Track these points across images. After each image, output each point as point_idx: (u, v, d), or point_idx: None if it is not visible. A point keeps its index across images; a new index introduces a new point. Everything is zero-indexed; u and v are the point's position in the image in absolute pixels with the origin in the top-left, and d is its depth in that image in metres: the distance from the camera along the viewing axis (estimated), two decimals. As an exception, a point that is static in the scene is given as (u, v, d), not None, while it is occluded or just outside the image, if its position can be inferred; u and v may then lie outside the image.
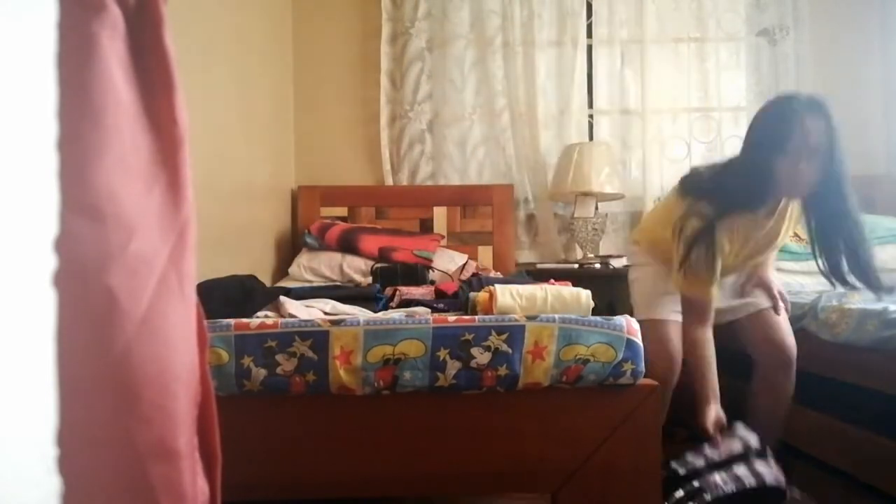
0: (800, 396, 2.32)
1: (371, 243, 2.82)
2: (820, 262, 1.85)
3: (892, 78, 3.29)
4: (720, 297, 1.97)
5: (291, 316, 1.45)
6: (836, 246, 1.81)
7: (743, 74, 3.35)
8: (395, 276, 2.48)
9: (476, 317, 1.31)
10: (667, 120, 3.34)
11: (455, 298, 1.82)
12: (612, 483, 1.28)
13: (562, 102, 3.30)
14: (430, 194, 3.14)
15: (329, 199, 3.26)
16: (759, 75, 3.31)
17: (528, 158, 3.25)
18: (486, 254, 3.09)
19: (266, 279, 2.76)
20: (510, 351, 1.26)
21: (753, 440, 1.74)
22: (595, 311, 1.49)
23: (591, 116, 3.35)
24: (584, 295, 1.49)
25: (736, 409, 2.51)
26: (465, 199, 3.14)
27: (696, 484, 1.56)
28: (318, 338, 1.26)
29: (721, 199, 1.81)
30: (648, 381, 1.33)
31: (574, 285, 1.58)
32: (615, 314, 1.40)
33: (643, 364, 1.30)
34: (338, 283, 2.61)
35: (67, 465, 0.46)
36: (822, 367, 2.12)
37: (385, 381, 1.25)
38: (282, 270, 2.98)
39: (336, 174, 3.33)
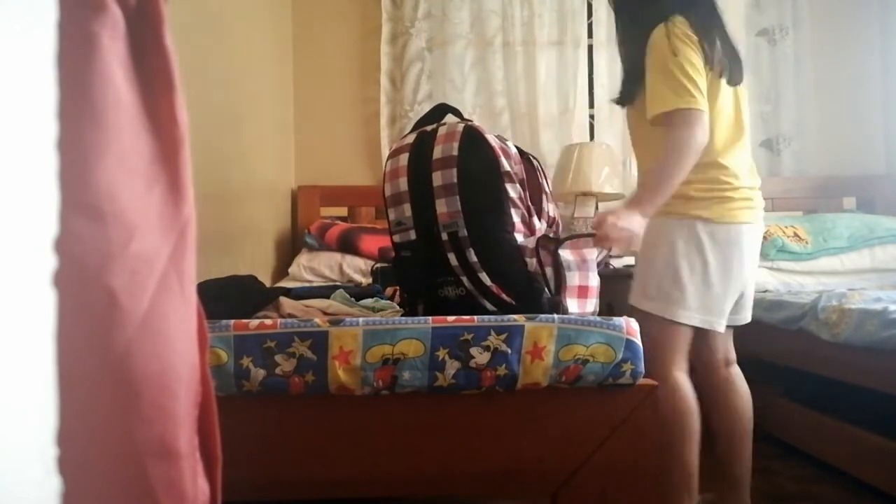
0: (800, 396, 2.33)
1: (371, 243, 2.82)
2: None
3: (892, 78, 3.29)
4: None
5: (291, 316, 1.45)
6: None
7: (743, 74, 3.35)
8: (394, 276, 2.48)
9: (475, 317, 1.31)
10: (667, 120, 3.33)
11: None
12: (611, 483, 1.28)
13: (562, 102, 3.30)
14: (430, 194, 3.14)
15: (329, 199, 3.26)
16: (759, 75, 3.31)
17: (528, 158, 3.25)
18: (486, 254, 3.09)
19: (266, 279, 2.76)
20: (509, 351, 1.26)
21: None
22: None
23: (591, 116, 3.35)
24: None
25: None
26: (465, 199, 3.13)
27: None
28: (317, 338, 1.26)
29: None
30: (648, 381, 1.33)
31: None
32: (614, 315, 1.40)
33: (643, 364, 1.30)
34: (338, 284, 2.61)
35: (67, 465, 0.46)
36: (822, 367, 2.12)
37: (384, 381, 1.25)
38: (282, 270, 2.98)
39: (336, 174, 3.34)
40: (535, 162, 1.56)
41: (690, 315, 1.76)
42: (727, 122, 1.78)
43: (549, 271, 1.43)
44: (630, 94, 1.83)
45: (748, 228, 1.78)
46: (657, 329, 1.75)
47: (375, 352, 1.25)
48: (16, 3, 0.44)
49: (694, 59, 1.69)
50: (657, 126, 1.72)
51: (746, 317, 1.89)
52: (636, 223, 1.61)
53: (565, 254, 1.43)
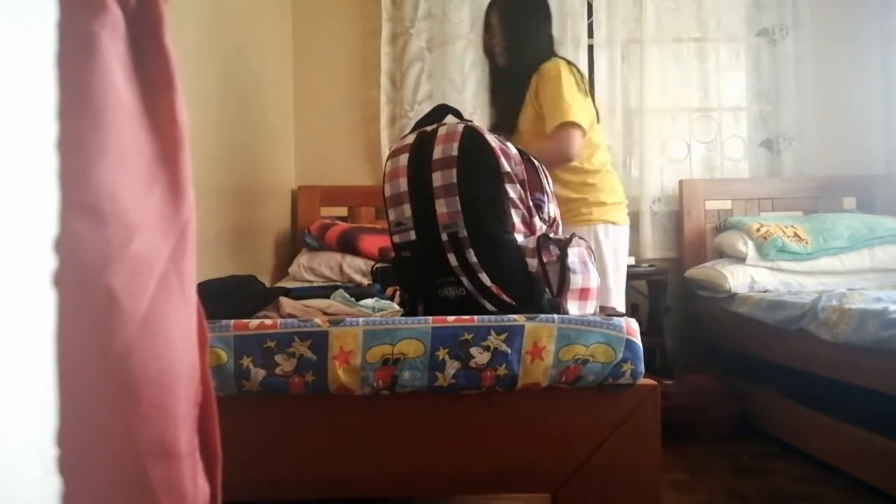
0: (800, 396, 2.33)
1: (371, 243, 2.82)
2: None
3: (892, 78, 3.29)
4: None
5: (291, 316, 1.45)
6: None
7: (743, 74, 3.35)
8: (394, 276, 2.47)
9: (475, 317, 1.31)
10: (667, 120, 3.34)
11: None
12: (612, 483, 1.28)
13: (562, 102, 3.29)
14: (430, 194, 3.14)
15: (329, 199, 3.26)
16: (758, 75, 3.31)
17: (528, 158, 3.25)
18: (486, 254, 3.09)
19: (266, 279, 2.76)
20: (509, 351, 1.26)
21: None
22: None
23: (591, 116, 3.35)
24: None
25: (745, 411, 2.52)
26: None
27: None
28: (317, 338, 1.26)
29: None
30: (648, 381, 1.33)
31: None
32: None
33: (643, 365, 1.30)
34: (338, 284, 2.61)
35: (67, 465, 0.46)
36: (822, 367, 2.12)
37: (384, 381, 1.25)
38: (282, 270, 2.98)
39: (336, 174, 3.34)
40: (536, 162, 1.56)
41: None
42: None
43: (550, 272, 1.42)
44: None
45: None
46: None
47: (375, 352, 1.25)
48: (16, 3, 0.44)
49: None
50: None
51: None
52: None
53: (570, 253, 1.43)
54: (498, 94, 2.41)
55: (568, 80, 2.19)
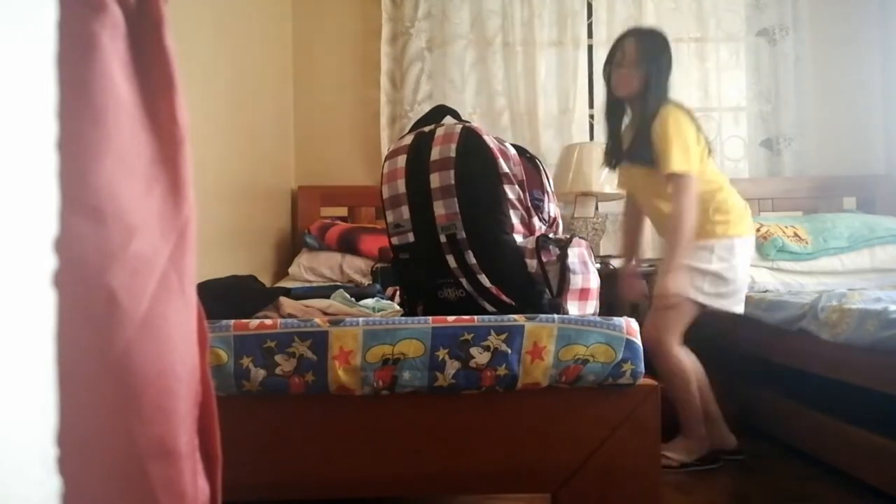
0: (800, 396, 2.33)
1: (371, 243, 2.82)
2: None
3: (892, 78, 3.29)
4: None
5: (291, 316, 1.45)
6: None
7: (743, 74, 3.35)
8: (394, 276, 2.47)
9: (475, 317, 1.31)
10: (667, 120, 3.33)
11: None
12: (612, 483, 1.28)
13: (562, 102, 3.30)
14: (430, 194, 3.14)
15: (329, 199, 3.26)
16: (758, 75, 3.31)
17: (528, 158, 3.25)
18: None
19: (266, 279, 2.76)
20: (509, 351, 1.26)
21: None
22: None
23: (591, 116, 3.35)
24: None
25: (745, 411, 2.52)
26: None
27: None
28: (317, 338, 1.26)
29: None
30: (648, 381, 1.33)
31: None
32: (614, 315, 1.40)
33: (642, 364, 1.30)
34: (338, 284, 2.61)
35: (67, 465, 0.46)
36: (822, 367, 2.12)
37: (384, 381, 1.25)
38: (282, 270, 2.98)
39: (336, 174, 3.34)
40: (537, 162, 1.56)
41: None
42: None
43: (550, 272, 1.42)
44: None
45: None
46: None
47: (375, 352, 1.25)
48: (16, 3, 0.44)
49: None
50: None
51: None
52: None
53: (570, 254, 1.43)
54: (617, 123, 2.45)
55: (678, 127, 2.22)
